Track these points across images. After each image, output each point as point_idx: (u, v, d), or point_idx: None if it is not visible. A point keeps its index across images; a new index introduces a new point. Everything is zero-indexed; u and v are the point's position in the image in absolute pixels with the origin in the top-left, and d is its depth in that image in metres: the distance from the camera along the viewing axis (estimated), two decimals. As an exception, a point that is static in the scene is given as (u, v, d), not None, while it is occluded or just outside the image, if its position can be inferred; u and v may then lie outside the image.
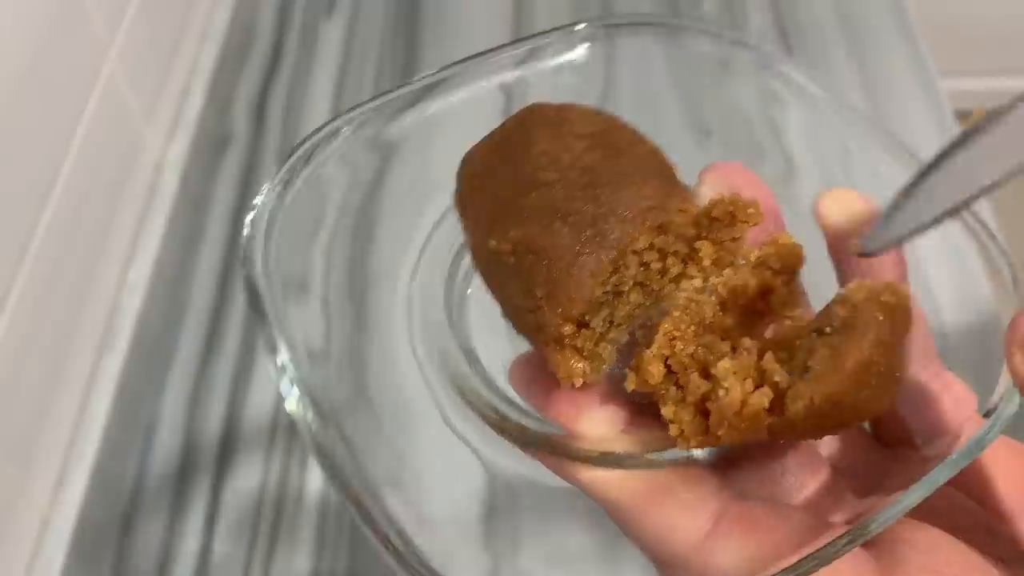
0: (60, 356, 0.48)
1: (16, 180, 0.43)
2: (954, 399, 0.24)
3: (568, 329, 0.24)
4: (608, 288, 0.24)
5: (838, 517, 0.23)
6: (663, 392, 0.24)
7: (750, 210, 0.25)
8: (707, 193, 0.26)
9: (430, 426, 0.27)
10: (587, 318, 0.24)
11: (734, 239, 0.26)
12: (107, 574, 0.45)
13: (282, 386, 0.24)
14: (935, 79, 0.64)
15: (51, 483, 0.47)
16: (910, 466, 0.23)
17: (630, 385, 0.24)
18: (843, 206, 0.26)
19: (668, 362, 0.24)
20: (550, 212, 0.24)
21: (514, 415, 0.27)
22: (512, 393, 0.27)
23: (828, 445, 0.25)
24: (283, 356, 0.25)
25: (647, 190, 0.25)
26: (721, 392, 0.22)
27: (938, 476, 0.21)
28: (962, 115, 0.64)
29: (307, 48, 0.67)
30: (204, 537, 0.46)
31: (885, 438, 0.25)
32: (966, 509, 0.23)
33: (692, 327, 0.25)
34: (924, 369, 0.24)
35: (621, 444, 0.25)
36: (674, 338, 0.24)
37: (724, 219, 0.26)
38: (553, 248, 0.24)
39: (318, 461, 0.24)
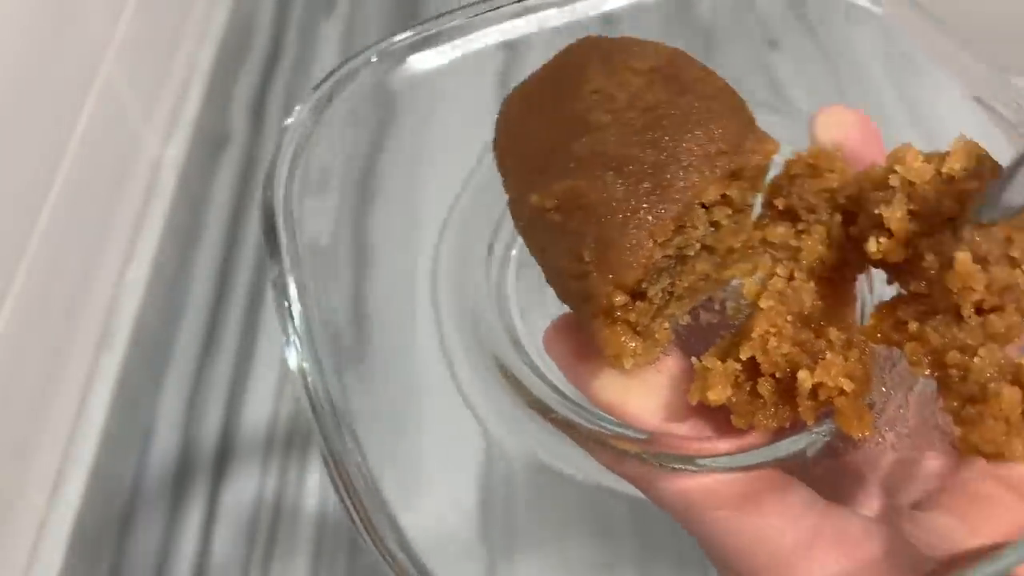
0: (58, 356, 0.47)
1: (14, 179, 0.43)
2: None
3: (620, 299, 0.20)
4: (670, 251, 0.21)
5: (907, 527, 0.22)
6: (735, 403, 0.21)
7: (838, 163, 0.22)
8: (822, 138, 0.24)
9: (437, 397, 0.25)
10: (644, 287, 0.21)
11: (820, 192, 0.23)
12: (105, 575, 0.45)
13: (287, 348, 0.22)
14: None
15: (48, 484, 0.46)
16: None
17: (692, 398, 0.21)
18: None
19: (758, 360, 0.21)
20: (602, 160, 0.21)
21: (559, 406, 0.24)
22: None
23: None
24: (295, 306, 0.22)
25: (717, 132, 0.21)
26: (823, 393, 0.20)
27: None
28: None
29: (306, 47, 0.67)
30: (202, 538, 0.46)
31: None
32: None
33: (788, 319, 0.21)
34: None
35: (675, 424, 0.22)
36: (768, 336, 0.21)
37: (805, 172, 0.23)
38: (605, 203, 0.20)
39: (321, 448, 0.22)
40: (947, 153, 0.22)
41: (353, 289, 0.31)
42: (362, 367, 0.27)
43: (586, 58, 0.23)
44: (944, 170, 0.21)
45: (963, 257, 0.20)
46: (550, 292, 0.22)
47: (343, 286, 0.30)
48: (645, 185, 0.20)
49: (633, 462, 0.22)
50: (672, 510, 0.22)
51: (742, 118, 0.22)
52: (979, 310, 0.20)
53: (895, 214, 0.21)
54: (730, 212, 0.22)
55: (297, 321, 0.23)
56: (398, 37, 0.27)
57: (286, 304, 0.23)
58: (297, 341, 0.22)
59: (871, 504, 0.23)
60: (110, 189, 0.54)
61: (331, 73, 0.26)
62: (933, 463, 0.23)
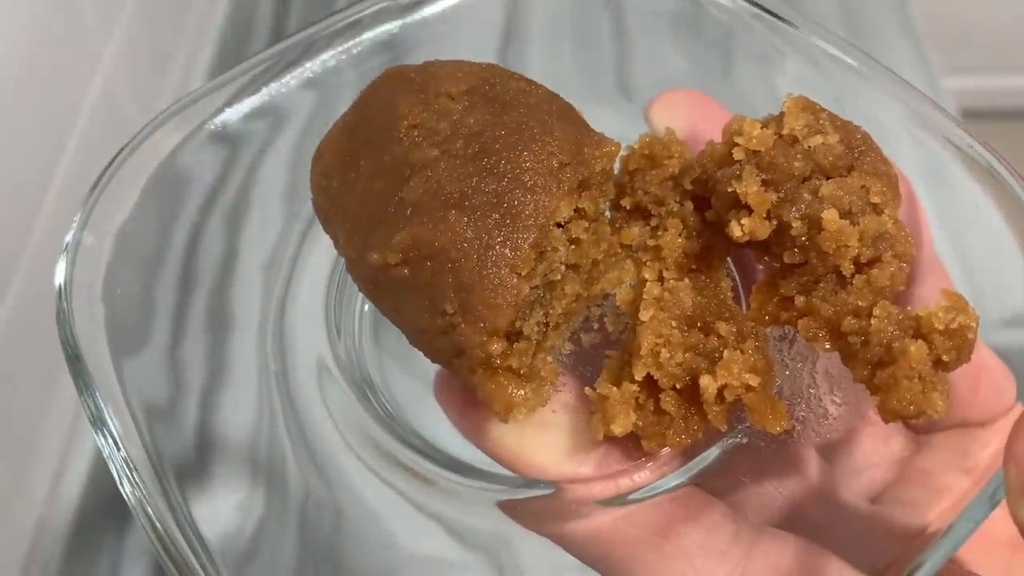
0: (58, 354, 0.47)
1: (14, 179, 0.43)
2: (994, 384, 0.22)
3: (497, 347, 0.18)
4: (536, 281, 0.19)
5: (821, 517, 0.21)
6: (642, 427, 0.20)
7: (673, 147, 0.21)
8: (656, 125, 0.23)
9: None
10: (518, 326, 0.19)
11: (663, 181, 0.22)
12: (104, 573, 0.45)
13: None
14: (937, 77, 0.64)
15: (48, 481, 0.46)
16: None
17: (597, 433, 0.20)
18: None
19: (654, 376, 0.20)
20: (440, 200, 0.19)
21: (447, 473, 0.22)
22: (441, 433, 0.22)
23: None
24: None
25: (554, 144, 0.19)
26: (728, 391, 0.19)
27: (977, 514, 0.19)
28: (965, 113, 0.63)
29: (306, 46, 0.67)
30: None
31: (910, 425, 0.23)
32: None
33: (673, 325, 0.20)
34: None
35: (581, 466, 0.20)
36: (658, 348, 0.20)
37: (644, 165, 0.22)
38: (455, 246, 0.18)
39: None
40: (781, 114, 0.21)
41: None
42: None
43: (393, 92, 0.21)
44: (785, 132, 0.21)
45: (831, 215, 0.19)
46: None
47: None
48: (493, 217, 0.18)
49: (534, 509, 0.21)
50: (583, 557, 0.20)
51: (574, 123, 0.21)
52: (857, 265, 0.20)
53: (750, 188, 0.20)
54: (587, 224, 0.20)
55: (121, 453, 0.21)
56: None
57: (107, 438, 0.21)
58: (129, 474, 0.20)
59: (809, 486, 0.22)
60: (109, 188, 0.53)
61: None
62: (882, 448, 0.22)
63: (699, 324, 0.20)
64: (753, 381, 0.19)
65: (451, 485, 0.23)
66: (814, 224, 0.20)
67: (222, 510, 0.24)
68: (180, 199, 0.27)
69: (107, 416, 0.21)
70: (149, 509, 0.20)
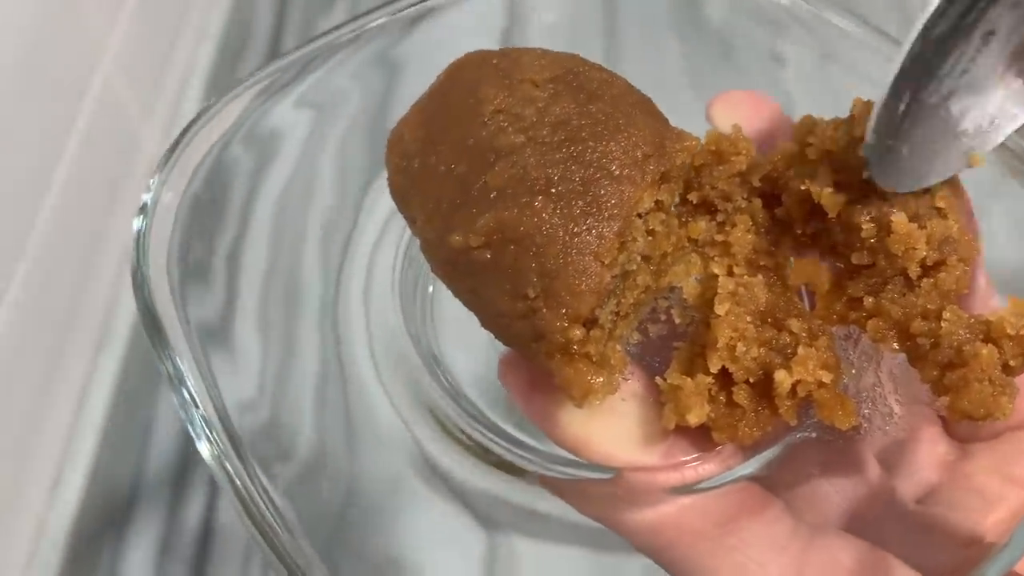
0: (56, 355, 0.47)
1: (12, 179, 0.43)
2: None
3: (578, 333, 0.19)
4: (616, 271, 0.19)
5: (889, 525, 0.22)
6: (714, 419, 0.20)
7: (741, 144, 0.22)
8: (719, 124, 0.23)
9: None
10: (596, 313, 0.19)
11: (731, 178, 0.22)
12: (104, 574, 0.45)
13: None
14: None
15: (47, 484, 0.46)
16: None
17: (668, 422, 0.20)
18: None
19: (729, 370, 0.20)
20: (526, 185, 0.19)
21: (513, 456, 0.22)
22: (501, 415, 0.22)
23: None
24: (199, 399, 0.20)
25: (637, 135, 0.20)
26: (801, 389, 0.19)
27: None
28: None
29: (305, 46, 0.67)
30: (201, 539, 0.46)
31: (953, 433, 0.23)
32: None
33: (748, 320, 0.20)
34: None
35: (649, 455, 0.20)
36: (734, 342, 0.20)
37: (711, 160, 0.22)
38: (540, 231, 0.18)
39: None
40: (851, 117, 0.21)
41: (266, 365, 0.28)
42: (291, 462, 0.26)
43: (477, 77, 0.21)
44: (857, 134, 0.21)
45: (900, 218, 0.20)
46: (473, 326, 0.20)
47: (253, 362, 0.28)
48: (579, 204, 0.19)
49: (596, 495, 0.21)
50: (643, 545, 0.20)
51: (655, 116, 0.21)
52: (924, 268, 0.20)
53: (824, 189, 0.20)
54: (663, 217, 0.21)
55: (202, 411, 0.21)
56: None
57: (186, 395, 0.21)
58: (208, 432, 0.21)
59: (868, 487, 0.22)
60: (109, 188, 0.53)
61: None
62: (932, 451, 0.23)
63: (771, 320, 0.21)
64: (826, 378, 0.20)
65: (518, 459, 0.23)
66: (883, 227, 0.20)
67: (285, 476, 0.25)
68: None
69: (184, 375, 0.21)
70: (228, 465, 0.20)
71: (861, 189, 0.21)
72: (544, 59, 0.21)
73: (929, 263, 0.20)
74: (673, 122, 0.22)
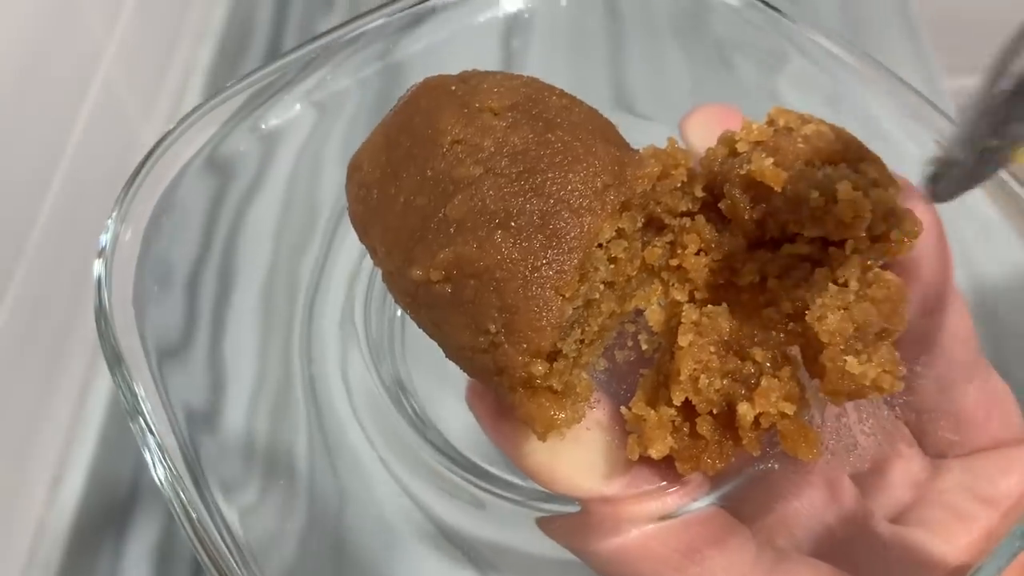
0: (57, 355, 0.47)
1: (12, 179, 0.43)
2: (1001, 411, 0.22)
3: (540, 368, 0.18)
4: (578, 302, 0.19)
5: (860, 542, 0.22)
6: (678, 450, 0.20)
7: (679, 155, 0.21)
8: (695, 142, 0.23)
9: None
10: (558, 346, 0.19)
11: (673, 191, 0.21)
12: (104, 575, 0.45)
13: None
14: (937, 77, 0.64)
15: (47, 484, 0.46)
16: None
17: (632, 454, 0.20)
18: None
19: (691, 402, 0.20)
20: (485, 218, 0.19)
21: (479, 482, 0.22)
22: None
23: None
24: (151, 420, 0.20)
25: (596, 165, 0.19)
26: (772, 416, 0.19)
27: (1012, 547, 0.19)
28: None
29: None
30: (201, 538, 0.46)
31: (928, 448, 0.23)
32: None
33: (712, 351, 0.20)
34: (967, 377, 0.22)
35: (613, 485, 0.20)
36: (697, 374, 0.20)
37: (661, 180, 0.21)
38: (500, 266, 0.18)
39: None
40: (769, 117, 0.22)
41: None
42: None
43: (436, 106, 0.21)
44: (780, 124, 0.21)
45: (845, 187, 0.19)
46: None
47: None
48: (538, 238, 0.18)
49: (562, 524, 0.21)
50: (607, 573, 0.20)
51: (616, 143, 0.21)
52: (873, 238, 0.20)
53: (762, 164, 0.20)
54: (625, 244, 0.20)
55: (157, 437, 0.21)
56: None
57: (141, 422, 0.21)
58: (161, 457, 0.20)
59: (840, 508, 0.22)
60: (108, 188, 0.53)
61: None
62: (906, 469, 0.22)
63: (735, 349, 0.20)
64: (788, 409, 0.19)
65: (487, 499, 0.23)
66: (829, 197, 0.20)
67: (247, 503, 0.24)
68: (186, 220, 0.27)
69: (142, 405, 0.21)
70: (181, 493, 0.20)
71: (798, 166, 0.21)
72: (503, 85, 0.21)
73: (877, 232, 0.20)
74: (674, 131, 0.22)
